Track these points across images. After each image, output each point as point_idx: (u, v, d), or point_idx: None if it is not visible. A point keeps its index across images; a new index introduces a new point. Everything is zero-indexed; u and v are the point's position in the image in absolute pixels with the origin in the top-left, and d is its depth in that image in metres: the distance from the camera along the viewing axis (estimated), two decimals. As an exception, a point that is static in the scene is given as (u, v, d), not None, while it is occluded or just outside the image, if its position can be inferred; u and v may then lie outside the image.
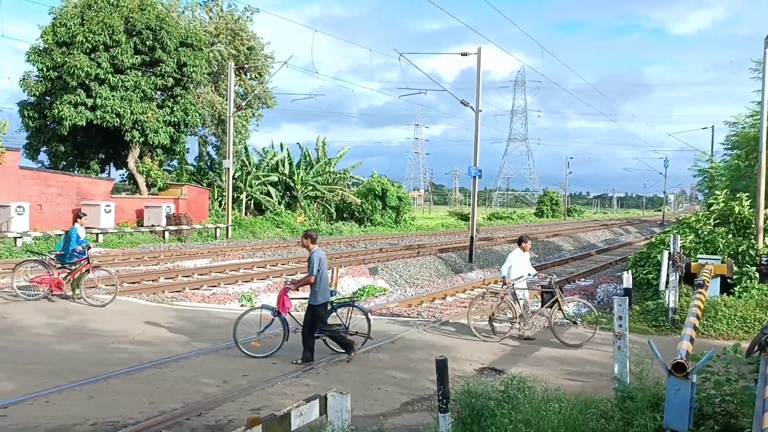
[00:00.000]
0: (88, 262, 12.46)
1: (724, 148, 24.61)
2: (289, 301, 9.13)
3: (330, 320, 9.08)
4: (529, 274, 11.58)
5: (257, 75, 39.44)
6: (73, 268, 12.43)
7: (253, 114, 40.32)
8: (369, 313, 9.70)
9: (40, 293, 12.26)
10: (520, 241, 11.73)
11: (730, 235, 15.30)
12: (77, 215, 13.72)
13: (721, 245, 14.71)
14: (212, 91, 37.38)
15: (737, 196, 16.09)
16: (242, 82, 38.61)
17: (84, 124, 28.59)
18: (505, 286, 11.12)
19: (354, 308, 9.36)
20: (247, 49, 37.73)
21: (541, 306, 11.09)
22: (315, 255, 8.81)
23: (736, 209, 15.65)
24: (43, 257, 12.91)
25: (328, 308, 9.07)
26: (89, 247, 12.80)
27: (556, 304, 10.79)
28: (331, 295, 9.21)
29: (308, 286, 8.91)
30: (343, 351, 9.06)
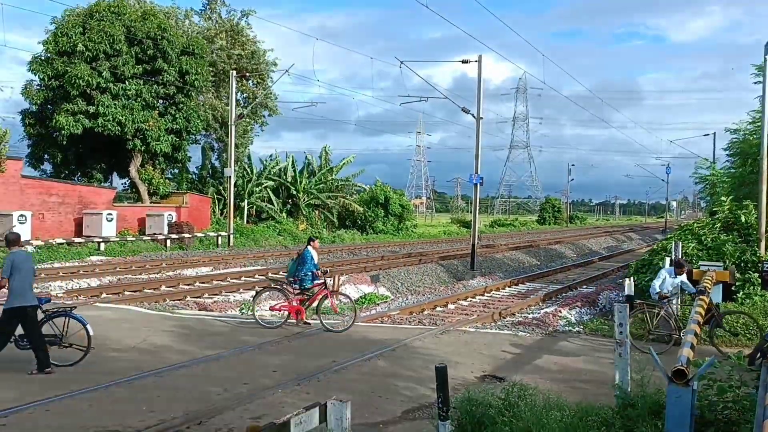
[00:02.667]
0: (325, 287, 11.85)
1: (726, 155, 24.61)
2: None
3: (45, 330, 8.42)
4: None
5: (259, 80, 39.56)
6: (312, 293, 11.88)
7: (255, 121, 40.42)
8: (88, 325, 8.60)
9: (280, 321, 11.85)
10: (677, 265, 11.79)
11: (737, 242, 15.27)
12: (310, 238, 12.49)
13: (728, 252, 14.66)
14: (215, 97, 37.50)
15: (744, 204, 16.05)
16: (244, 88, 38.72)
17: (80, 133, 28.63)
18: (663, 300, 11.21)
19: (71, 318, 8.59)
20: (249, 54, 37.85)
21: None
22: (9, 257, 8.27)
23: (742, 218, 15.61)
24: (282, 284, 12.42)
25: (36, 316, 8.31)
26: (326, 272, 12.30)
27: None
28: (44, 302, 8.54)
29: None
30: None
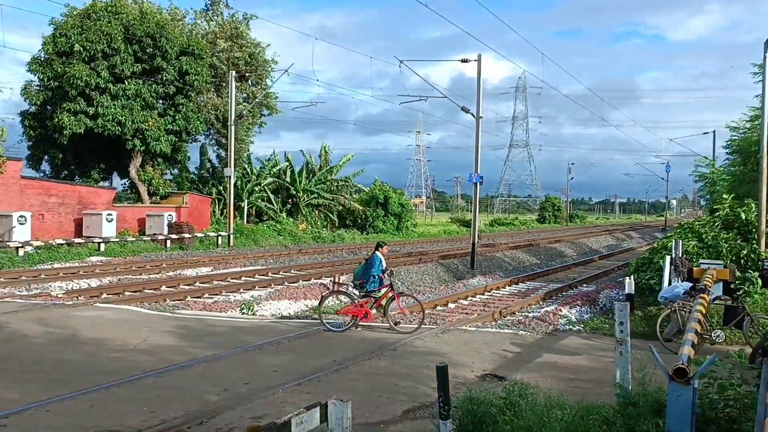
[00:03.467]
0: (392, 290, 11.89)
1: (726, 153, 24.61)
2: None
3: None
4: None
5: (259, 80, 39.57)
6: (378, 295, 11.90)
7: (255, 121, 40.43)
8: None
9: (348, 324, 11.78)
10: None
11: (738, 240, 15.26)
12: (379, 243, 12.45)
13: (724, 250, 14.66)
14: (215, 96, 37.49)
15: (745, 202, 16.04)
16: (244, 89, 38.73)
17: (83, 132, 28.66)
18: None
19: None
20: (248, 56, 37.87)
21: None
22: None
23: (743, 216, 15.60)
24: (347, 287, 12.42)
25: None
26: (392, 273, 12.31)
27: None
28: None
29: None
30: None
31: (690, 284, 11.45)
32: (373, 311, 11.90)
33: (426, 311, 12.78)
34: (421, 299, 13.92)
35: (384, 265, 12.01)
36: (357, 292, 12.08)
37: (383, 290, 11.89)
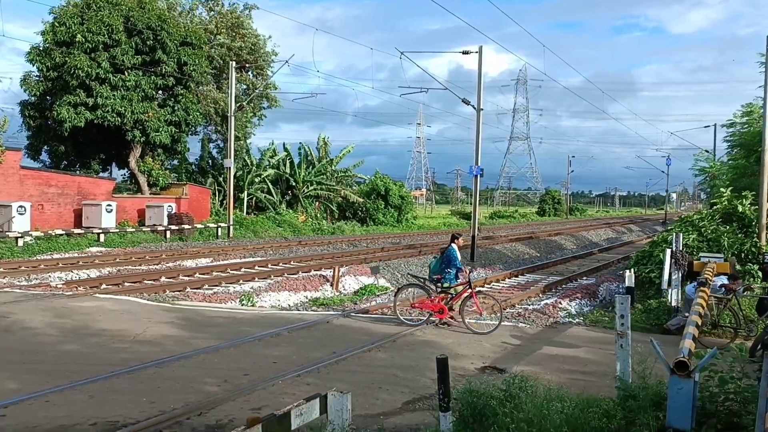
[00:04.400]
0: (470, 287, 11.42)
1: (727, 146, 24.57)
2: None
3: None
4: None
5: (259, 72, 39.46)
6: (455, 292, 11.55)
7: (254, 113, 40.34)
8: None
9: (422, 319, 11.56)
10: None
11: (736, 234, 15.25)
12: (454, 235, 12.09)
13: (725, 243, 14.65)
14: (215, 88, 37.40)
15: (743, 194, 16.03)
16: (244, 80, 38.61)
17: (83, 125, 28.59)
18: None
19: None
20: (249, 45, 37.73)
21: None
22: None
23: (739, 207, 15.60)
24: (423, 281, 11.99)
25: None
26: (471, 270, 11.98)
27: None
28: None
29: None
30: None
31: (725, 277, 11.40)
32: (449, 308, 11.45)
33: (504, 314, 12.17)
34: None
35: (459, 257, 11.65)
36: (434, 287, 11.67)
37: (460, 287, 11.51)
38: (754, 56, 19.59)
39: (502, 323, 11.45)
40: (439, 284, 11.57)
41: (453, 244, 11.71)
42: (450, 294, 11.49)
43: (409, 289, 12.35)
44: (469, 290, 11.37)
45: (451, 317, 11.50)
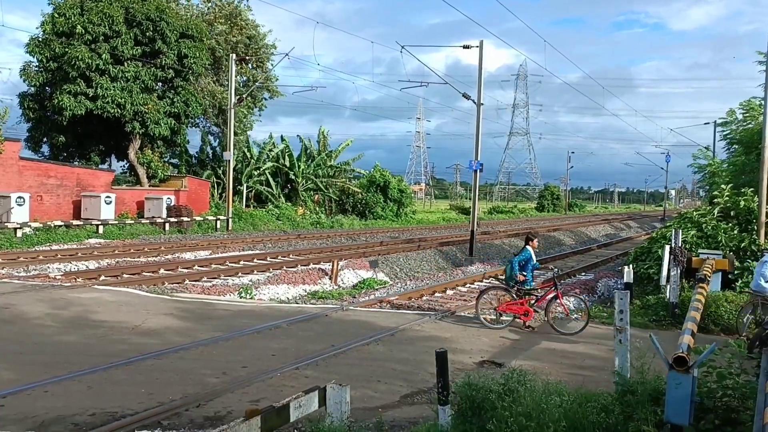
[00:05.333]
0: (556, 288, 11.26)
1: (726, 144, 24.56)
2: None
3: None
4: None
5: (258, 64, 39.37)
6: (540, 293, 11.39)
7: (255, 104, 40.26)
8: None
9: (505, 321, 11.29)
10: None
11: (735, 231, 15.25)
12: (529, 236, 11.74)
13: (723, 240, 14.66)
14: (213, 82, 37.32)
15: (742, 191, 16.02)
16: (244, 72, 38.53)
17: (84, 113, 28.52)
18: None
19: None
20: (247, 38, 37.64)
21: None
22: None
23: (741, 203, 15.58)
24: (508, 284, 11.57)
25: None
26: (557, 272, 11.78)
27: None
28: None
29: None
30: None
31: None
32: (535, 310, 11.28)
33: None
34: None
35: (534, 259, 11.46)
36: (516, 290, 11.40)
37: (545, 288, 11.40)
38: (754, 54, 19.54)
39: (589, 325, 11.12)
40: (522, 286, 11.31)
41: (528, 246, 11.50)
42: (535, 296, 11.32)
43: (491, 292, 12.03)
44: (555, 291, 11.25)
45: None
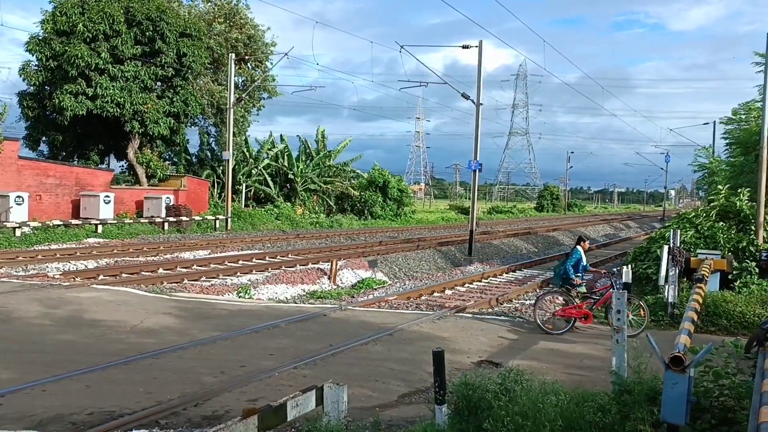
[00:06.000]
0: (613, 289, 10.96)
1: (725, 144, 24.57)
2: None
3: None
4: None
5: (258, 63, 39.38)
6: (597, 296, 11.29)
7: (254, 104, 40.27)
8: None
9: (564, 326, 11.07)
10: None
11: (732, 231, 15.26)
12: (580, 238, 11.77)
13: (721, 240, 14.67)
14: (212, 81, 37.31)
15: (739, 191, 16.05)
16: (242, 71, 38.54)
17: (84, 113, 28.52)
18: None
19: None
20: (247, 38, 37.65)
21: None
22: None
23: (737, 204, 15.62)
24: (564, 288, 11.48)
25: None
26: (613, 273, 11.58)
27: None
28: None
29: None
30: None
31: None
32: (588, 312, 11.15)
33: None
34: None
35: (584, 261, 11.40)
36: (575, 293, 11.34)
37: (603, 291, 11.30)
38: (752, 54, 19.56)
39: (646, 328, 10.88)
40: (578, 289, 11.25)
41: (578, 247, 11.46)
42: (593, 298, 11.25)
43: (547, 297, 11.88)
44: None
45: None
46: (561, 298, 11.54)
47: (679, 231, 13.79)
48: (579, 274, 11.27)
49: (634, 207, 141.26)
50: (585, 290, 11.34)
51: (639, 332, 10.48)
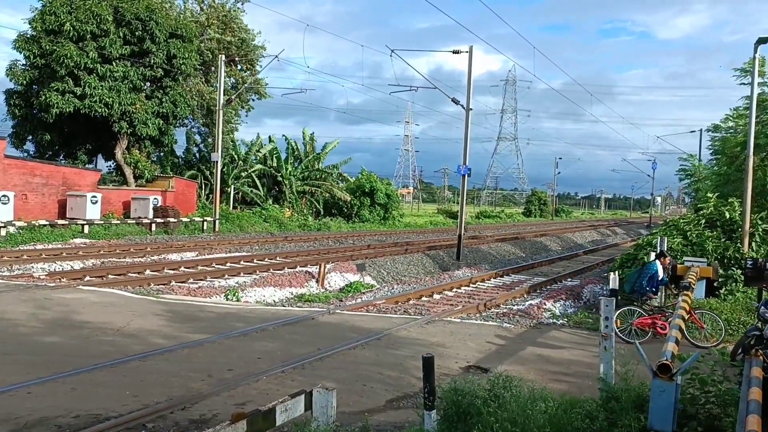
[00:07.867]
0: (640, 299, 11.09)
1: (710, 153, 24.83)
2: None
3: None
4: None
5: (248, 66, 39.32)
6: (671, 309, 10.91)
7: (242, 106, 40.18)
8: None
9: (644, 337, 10.86)
10: None
11: (722, 239, 15.42)
12: (662, 253, 11.75)
13: (710, 248, 14.79)
14: (202, 82, 37.20)
15: (729, 201, 16.21)
16: (233, 74, 38.45)
17: (71, 111, 28.30)
18: None
19: None
20: (239, 40, 37.58)
21: None
22: None
23: (727, 214, 15.76)
24: (641, 300, 11.37)
25: None
26: (687, 287, 11.75)
27: None
28: None
29: None
30: None
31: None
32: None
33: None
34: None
35: (661, 275, 11.30)
36: (649, 307, 11.33)
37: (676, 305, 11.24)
38: (737, 63, 19.91)
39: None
40: (650, 302, 11.26)
41: (657, 261, 11.40)
42: (668, 311, 11.16)
43: (624, 309, 11.67)
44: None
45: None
46: (634, 310, 11.45)
47: (666, 238, 13.91)
48: (653, 289, 11.25)
49: (621, 213, 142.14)
50: (659, 304, 11.35)
51: (714, 345, 10.44)
